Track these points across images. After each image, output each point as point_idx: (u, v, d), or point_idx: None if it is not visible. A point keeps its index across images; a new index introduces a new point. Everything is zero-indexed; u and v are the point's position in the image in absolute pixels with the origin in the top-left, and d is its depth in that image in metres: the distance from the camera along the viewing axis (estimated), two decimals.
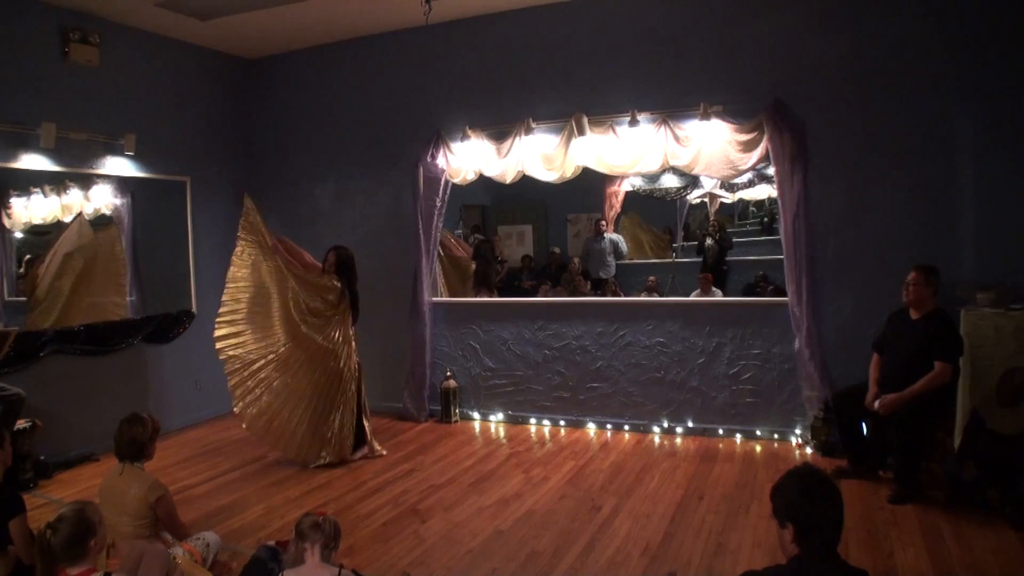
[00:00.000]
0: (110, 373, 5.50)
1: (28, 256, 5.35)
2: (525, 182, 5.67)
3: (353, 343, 5.00)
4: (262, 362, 4.86)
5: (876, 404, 4.02)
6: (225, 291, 4.95)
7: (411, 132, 6.01)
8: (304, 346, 4.86)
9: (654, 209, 8.41)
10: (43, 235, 5.44)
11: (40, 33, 5.02)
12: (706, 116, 4.87)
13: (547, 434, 5.55)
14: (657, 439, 5.28)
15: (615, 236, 8.15)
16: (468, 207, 8.85)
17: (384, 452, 5.15)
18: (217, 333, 4.86)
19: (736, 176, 5.80)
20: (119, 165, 5.59)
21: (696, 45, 5.10)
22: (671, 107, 5.05)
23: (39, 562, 2.30)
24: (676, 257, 7.99)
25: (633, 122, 5.09)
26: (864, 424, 4.31)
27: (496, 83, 5.76)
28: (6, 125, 4.80)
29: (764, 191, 7.78)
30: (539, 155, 5.44)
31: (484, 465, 4.81)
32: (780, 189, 4.84)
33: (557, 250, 8.47)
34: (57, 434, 4.99)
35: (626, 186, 8.06)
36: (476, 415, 6.03)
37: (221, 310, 4.91)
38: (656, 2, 5.24)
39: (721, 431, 5.21)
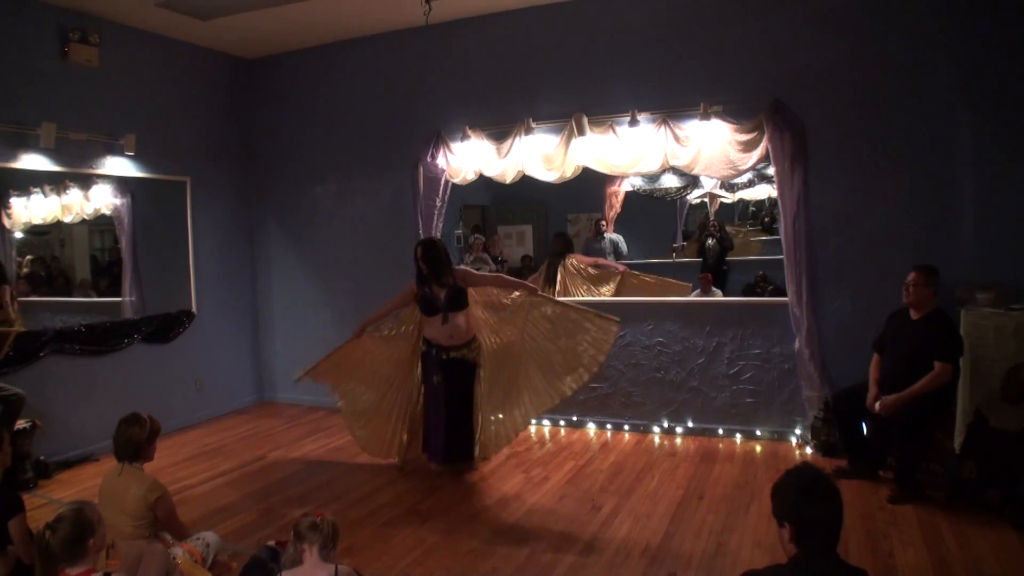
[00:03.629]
0: (110, 373, 5.50)
1: (30, 256, 5.36)
2: (525, 182, 5.67)
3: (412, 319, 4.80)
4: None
5: (876, 405, 4.03)
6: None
7: (411, 132, 6.01)
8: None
9: (654, 209, 8.40)
10: (43, 235, 5.45)
11: (40, 33, 5.02)
12: (706, 116, 4.87)
13: (547, 434, 5.54)
14: (657, 439, 5.27)
15: (615, 236, 8.15)
16: (468, 207, 8.84)
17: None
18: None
19: (736, 176, 5.80)
20: (119, 165, 5.59)
21: (696, 45, 5.10)
22: (671, 107, 5.05)
23: (38, 562, 2.30)
24: (676, 257, 7.98)
25: (633, 122, 5.08)
26: (864, 424, 4.31)
27: (496, 83, 5.76)
28: (6, 125, 4.80)
29: (764, 191, 7.77)
30: (539, 155, 5.43)
31: (484, 465, 4.81)
32: (780, 189, 4.84)
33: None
34: (57, 434, 4.99)
35: (626, 186, 8.05)
36: None
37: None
38: (656, 2, 5.24)
39: (721, 431, 5.21)
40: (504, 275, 4.81)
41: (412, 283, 4.63)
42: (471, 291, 4.61)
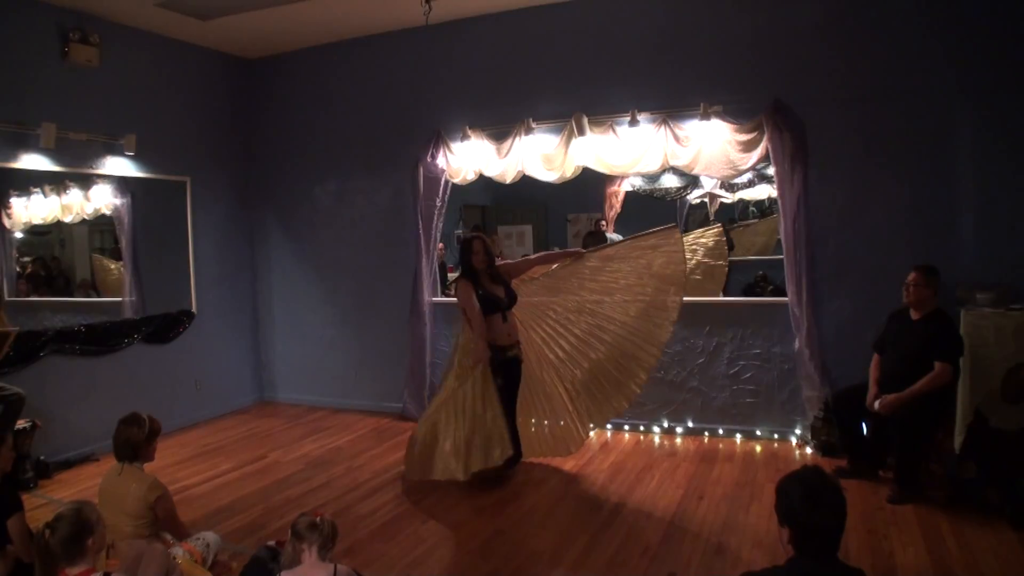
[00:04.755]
0: (110, 373, 5.50)
1: (31, 257, 5.37)
2: (525, 182, 5.67)
3: (460, 344, 4.47)
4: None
5: (876, 404, 4.03)
6: None
7: (411, 132, 6.01)
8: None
9: (654, 209, 8.40)
10: (43, 235, 5.45)
11: (40, 33, 5.02)
12: (706, 116, 4.87)
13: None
14: (657, 439, 5.27)
15: (615, 236, 8.14)
16: (468, 207, 8.84)
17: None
18: None
19: (736, 176, 5.80)
20: (119, 165, 5.58)
21: (696, 45, 5.10)
22: (671, 107, 5.05)
23: (38, 562, 2.31)
24: None
25: (633, 122, 5.08)
26: (864, 424, 4.31)
27: (496, 83, 5.76)
28: (6, 125, 4.80)
29: (764, 191, 7.76)
30: (539, 155, 5.43)
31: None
32: (780, 189, 4.84)
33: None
34: (57, 434, 4.99)
35: (626, 186, 8.04)
36: None
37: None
38: (656, 2, 5.24)
39: (721, 431, 5.21)
40: (546, 252, 4.74)
41: (467, 284, 4.35)
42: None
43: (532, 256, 4.92)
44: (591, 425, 4.75)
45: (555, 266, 4.70)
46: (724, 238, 7.01)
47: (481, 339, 4.23)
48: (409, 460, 4.47)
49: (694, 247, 6.91)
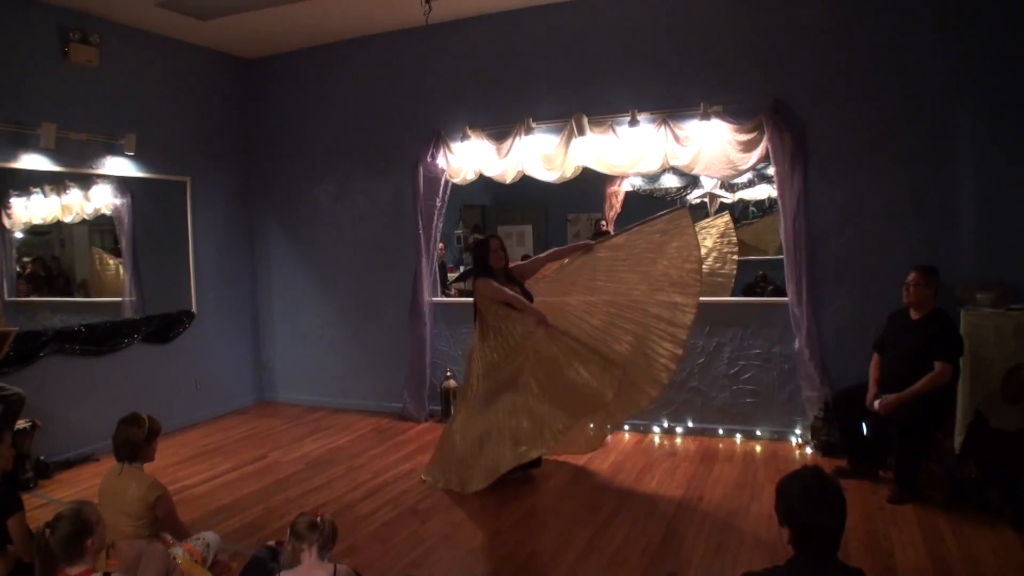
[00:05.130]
0: (110, 373, 5.50)
1: (31, 257, 5.37)
2: (525, 182, 5.67)
3: (476, 349, 4.40)
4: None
5: (876, 404, 4.03)
6: None
7: (411, 132, 6.01)
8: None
9: (654, 209, 8.40)
10: (43, 235, 5.45)
11: (40, 33, 5.02)
12: (706, 116, 4.87)
13: None
14: (657, 439, 5.27)
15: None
16: (468, 207, 8.84)
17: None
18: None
19: (736, 176, 5.80)
20: (119, 165, 5.58)
21: (696, 45, 5.10)
22: (671, 107, 5.05)
23: (38, 562, 2.31)
24: None
25: (633, 122, 5.08)
26: (864, 424, 4.31)
27: (496, 83, 5.76)
28: (6, 125, 4.80)
29: (764, 191, 7.76)
30: (539, 155, 5.43)
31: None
32: (780, 189, 4.84)
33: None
34: (57, 434, 4.99)
35: (626, 186, 8.05)
36: None
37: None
38: (656, 2, 5.24)
39: (721, 431, 5.21)
40: (555, 248, 4.72)
41: (487, 278, 4.31)
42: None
43: (542, 255, 4.86)
44: (609, 426, 4.65)
45: (566, 261, 4.65)
46: (733, 226, 6.98)
47: (527, 309, 4.23)
48: (465, 473, 4.30)
49: (703, 235, 6.87)
